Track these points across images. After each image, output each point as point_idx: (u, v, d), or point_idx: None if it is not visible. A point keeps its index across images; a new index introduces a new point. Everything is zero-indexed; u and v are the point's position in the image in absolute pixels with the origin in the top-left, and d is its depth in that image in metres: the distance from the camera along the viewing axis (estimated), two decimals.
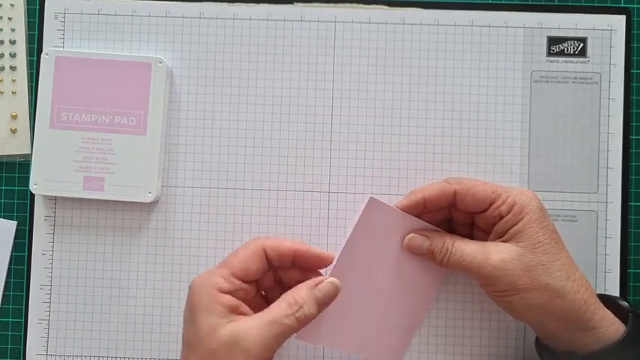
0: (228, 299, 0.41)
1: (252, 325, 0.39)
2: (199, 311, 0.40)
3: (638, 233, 0.51)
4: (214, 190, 0.51)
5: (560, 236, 0.44)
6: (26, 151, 0.52)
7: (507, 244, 0.43)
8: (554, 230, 0.44)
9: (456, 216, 0.47)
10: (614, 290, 0.50)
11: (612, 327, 0.42)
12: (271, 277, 0.46)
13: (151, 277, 0.51)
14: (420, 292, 0.48)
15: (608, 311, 0.43)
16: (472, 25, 0.52)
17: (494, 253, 0.43)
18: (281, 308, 0.40)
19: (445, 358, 0.50)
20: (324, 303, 0.42)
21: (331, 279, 0.42)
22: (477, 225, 0.46)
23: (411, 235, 0.46)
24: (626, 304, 0.44)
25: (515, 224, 0.44)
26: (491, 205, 0.44)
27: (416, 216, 0.46)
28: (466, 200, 0.45)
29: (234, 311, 0.40)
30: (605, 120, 0.51)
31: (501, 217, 0.44)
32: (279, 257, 0.44)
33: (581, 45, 0.51)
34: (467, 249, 0.44)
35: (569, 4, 0.52)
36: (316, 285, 0.42)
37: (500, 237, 0.44)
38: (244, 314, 0.41)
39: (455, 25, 0.52)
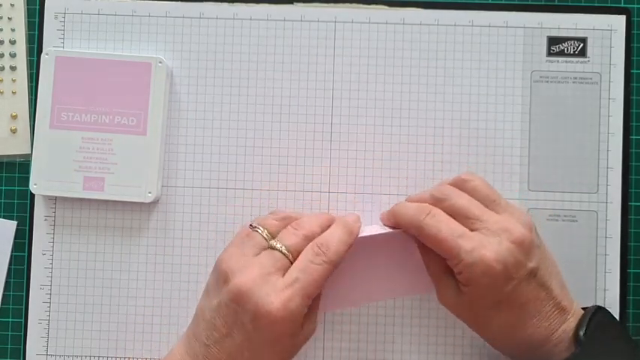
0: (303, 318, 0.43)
1: (314, 321, 0.45)
2: (285, 337, 0.42)
3: (638, 233, 0.51)
4: (214, 190, 0.51)
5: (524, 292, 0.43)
6: (26, 151, 0.52)
7: (456, 290, 0.44)
8: (499, 301, 0.42)
9: None
10: (614, 290, 0.50)
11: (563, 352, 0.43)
12: None
13: (151, 277, 0.51)
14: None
15: (563, 342, 0.43)
16: (472, 25, 0.52)
17: (442, 290, 0.45)
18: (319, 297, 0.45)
19: (445, 358, 0.50)
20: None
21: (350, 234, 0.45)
22: None
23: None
24: (581, 333, 0.42)
25: (462, 284, 0.43)
26: (446, 258, 0.43)
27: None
28: (426, 243, 0.44)
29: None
30: (605, 120, 0.51)
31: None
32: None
33: (581, 45, 0.51)
34: (431, 269, 0.45)
35: (569, 4, 0.52)
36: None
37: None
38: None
39: (455, 25, 0.52)
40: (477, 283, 0.42)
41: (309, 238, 0.44)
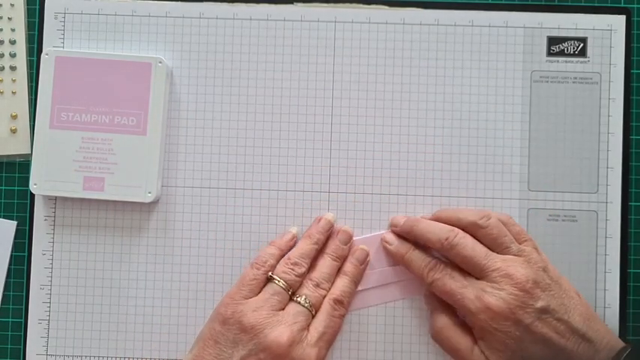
0: None
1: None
2: None
3: (638, 233, 0.51)
4: (214, 190, 0.51)
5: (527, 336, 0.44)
6: (26, 151, 0.52)
7: (471, 343, 0.46)
8: (519, 341, 0.43)
9: None
10: (614, 290, 0.50)
11: None
12: None
13: (151, 277, 0.51)
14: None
15: None
16: (472, 25, 0.52)
17: (455, 347, 0.46)
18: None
19: (445, 358, 0.50)
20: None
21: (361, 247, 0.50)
22: None
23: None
24: None
25: (477, 337, 0.45)
26: (457, 308, 0.46)
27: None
28: (436, 293, 0.47)
29: None
30: (605, 120, 0.51)
31: None
32: None
33: (581, 45, 0.51)
34: (440, 326, 0.47)
35: (569, 4, 0.52)
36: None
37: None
38: None
39: (455, 25, 0.52)
40: (489, 331, 0.44)
41: (328, 287, 0.48)
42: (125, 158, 0.50)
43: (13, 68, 0.52)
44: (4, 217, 0.52)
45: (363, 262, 0.49)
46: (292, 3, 0.52)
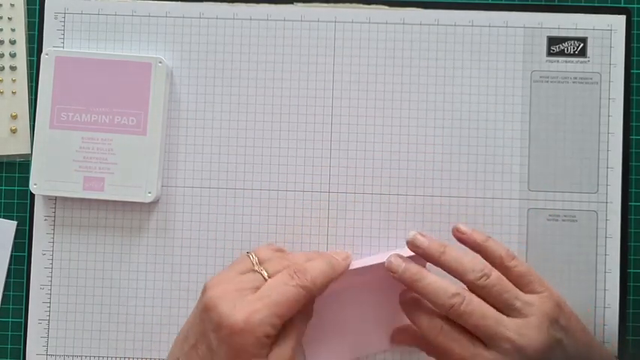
0: (271, 341, 0.41)
1: (287, 351, 0.42)
2: (246, 355, 0.40)
3: (638, 233, 0.51)
4: (214, 190, 0.51)
5: None
6: (26, 151, 0.52)
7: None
8: None
9: None
10: (614, 290, 0.50)
11: None
12: None
13: (151, 277, 0.51)
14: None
15: None
16: (472, 25, 0.52)
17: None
18: (301, 321, 0.44)
19: None
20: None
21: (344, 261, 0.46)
22: None
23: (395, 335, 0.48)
24: None
25: None
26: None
27: None
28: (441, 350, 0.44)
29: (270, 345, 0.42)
30: (605, 120, 0.51)
31: None
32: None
33: (581, 45, 0.51)
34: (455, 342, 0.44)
35: (569, 4, 0.52)
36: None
37: None
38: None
39: (455, 25, 0.52)
40: None
41: (288, 262, 0.45)
42: (125, 158, 0.50)
43: (13, 68, 0.52)
44: (4, 217, 0.52)
45: (346, 258, 0.46)
46: (292, 3, 0.52)
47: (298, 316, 0.43)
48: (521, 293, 0.43)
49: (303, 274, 0.43)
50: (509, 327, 0.42)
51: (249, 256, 0.45)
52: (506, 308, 0.43)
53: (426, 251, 0.44)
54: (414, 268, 0.44)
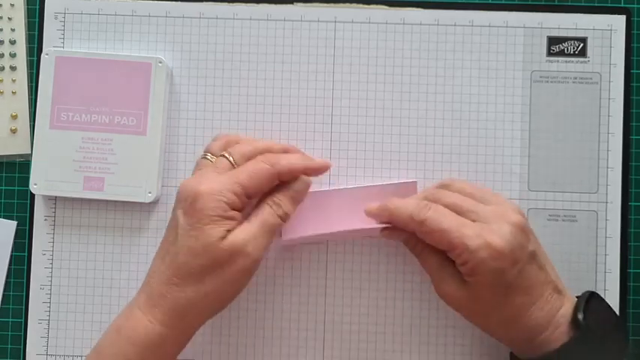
0: (234, 214, 0.42)
1: (251, 233, 0.42)
2: (207, 222, 0.41)
3: (638, 233, 0.51)
4: None
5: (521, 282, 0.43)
6: (26, 151, 0.52)
7: (459, 283, 0.44)
8: (508, 285, 0.42)
9: None
10: (614, 290, 0.50)
11: (558, 339, 0.43)
12: None
13: None
14: None
15: (562, 326, 0.43)
16: (472, 25, 0.52)
17: (443, 284, 0.44)
18: (268, 212, 0.43)
19: (445, 357, 0.50)
20: (298, 199, 0.45)
21: (303, 177, 0.45)
22: None
23: (385, 230, 0.47)
24: (581, 316, 0.42)
25: (467, 275, 0.43)
26: (448, 251, 0.43)
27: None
28: (427, 239, 0.44)
29: (233, 219, 0.42)
30: (605, 120, 0.51)
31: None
32: (288, 178, 0.45)
33: (581, 45, 0.51)
34: (429, 264, 0.45)
35: (569, 4, 0.52)
36: (289, 185, 0.45)
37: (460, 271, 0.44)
38: (237, 219, 0.43)
39: (455, 25, 0.52)
40: (485, 270, 0.42)
41: (256, 147, 0.45)
42: (125, 158, 0.50)
43: (13, 68, 0.52)
44: (4, 217, 0.52)
45: (323, 165, 0.47)
46: (292, 3, 0.52)
47: (264, 207, 0.44)
48: (491, 193, 0.46)
49: (271, 158, 0.44)
50: (484, 206, 0.44)
51: (205, 157, 0.45)
52: (479, 200, 0.45)
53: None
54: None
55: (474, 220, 0.43)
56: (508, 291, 0.43)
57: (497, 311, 0.44)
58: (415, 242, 0.46)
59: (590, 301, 0.44)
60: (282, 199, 0.44)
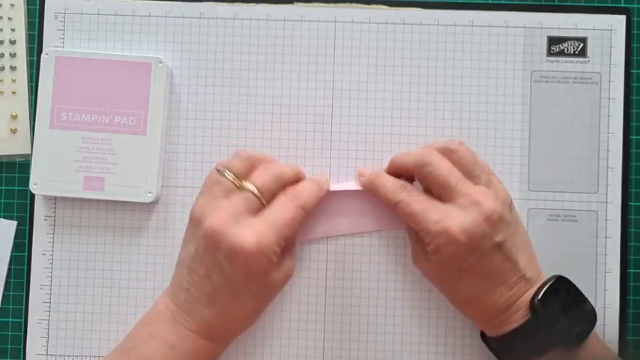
0: (277, 259, 0.44)
1: (293, 261, 0.47)
2: (261, 272, 0.43)
3: (638, 233, 0.51)
4: None
5: (481, 265, 0.44)
6: (26, 151, 0.52)
7: (425, 257, 0.46)
8: (463, 269, 0.44)
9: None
10: (614, 290, 0.50)
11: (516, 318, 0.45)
12: None
13: (151, 277, 0.51)
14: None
15: (522, 308, 0.45)
16: (472, 25, 0.52)
17: (415, 257, 0.48)
18: (295, 246, 0.48)
19: (445, 357, 0.50)
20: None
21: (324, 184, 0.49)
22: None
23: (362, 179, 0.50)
24: (536, 300, 0.44)
25: (430, 254, 0.45)
26: (417, 231, 0.46)
27: None
28: (401, 219, 0.47)
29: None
30: (605, 120, 0.51)
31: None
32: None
33: (581, 45, 0.51)
34: (410, 237, 0.48)
35: (569, 4, 0.52)
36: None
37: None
38: None
39: (455, 25, 0.52)
40: (442, 252, 0.44)
41: (278, 179, 0.46)
42: (125, 158, 0.50)
43: (13, 68, 0.52)
44: (4, 217, 0.52)
45: (326, 181, 0.49)
46: (292, 3, 0.52)
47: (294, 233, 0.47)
48: (487, 172, 0.46)
49: (298, 196, 0.46)
50: (470, 185, 0.45)
51: (223, 175, 0.45)
52: (472, 178, 0.45)
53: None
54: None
55: (448, 200, 0.45)
56: (463, 274, 0.45)
57: (456, 290, 0.46)
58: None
59: (554, 284, 0.45)
60: (307, 206, 0.47)
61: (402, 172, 0.48)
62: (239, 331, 0.47)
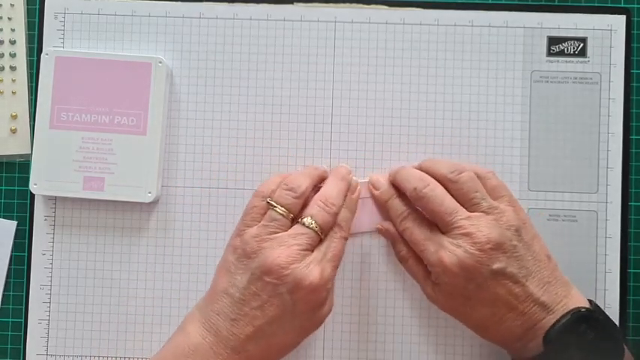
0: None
1: (331, 285, 0.46)
2: (317, 304, 0.45)
3: (638, 233, 0.51)
4: (214, 190, 0.51)
5: (488, 290, 0.44)
6: (26, 151, 0.52)
7: (434, 289, 0.47)
8: (468, 297, 0.45)
9: None
10: (614, 290, 0.50)
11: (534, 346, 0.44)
12: None
13: (151, 277, 0.51)
14: None
15: (537, 339, 0.44)
16: (472, 25, 0.52)
17: (426, 289, 0.48)
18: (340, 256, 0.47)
19: (445, 357, 0.50)
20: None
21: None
22: None
23: (379, 227, 0.50)
24: (551, 333, 0.43)
25: (434, 282, 0.46)
26: (422, 257, 0.47)
27: None
28: (405, 236, 0.48)
29: None
30: (605, 120, 0.51)
31: None
32: None
33: (581, 45, 0.51)
34: (415, 271, 0.48)
35: (569, 4, 0.52)
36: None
37: None
38: None
39: (455, 25, 0.52)
40: (442, 281, 0.45)
41: (334, 213, 0.47)
42: (125, 158, 0.50)
43: (13, 68, 0.52)
44: (4, 217, 0.52)
45: (355, 192, 0.49)
46: (292, 3, 0.52)
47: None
48: (489, 197, 0.46)
49: (341, 228, 0.47)
50: (463, 216, 0.45)
51: (275, 210, 0.46)
52: (471, 206, 0.46)
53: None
54: (396, 168, 0.50)
55: (444, 231, 0.46)
56: (468, 302, 0.45)
57: (467, 318, 0.47)
58: (401, 249, 0.49)
59: (576, 315, 0.43)
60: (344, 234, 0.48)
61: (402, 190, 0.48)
62: None
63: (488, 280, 0.44)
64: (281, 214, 0.45)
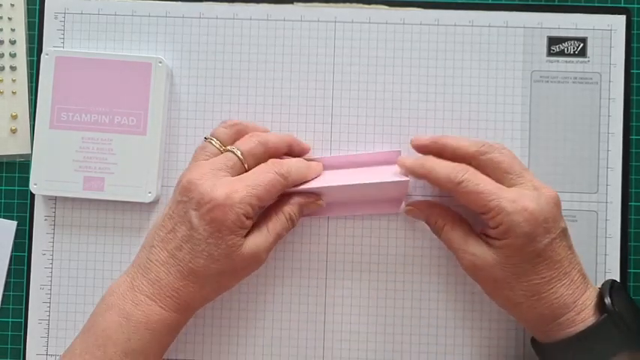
0: (249, 223, 0.44)
1: (267, 242, 0.45)
2: (227, 232, 0.43)
3: (638, 233, 0.51)
4: None
5: (553, 252, 0.43)
6: (26, 151, 0.52)
7: (486, 250, 0.44)
8: (538, 254, 0.43)
9: None
10: None
11: (580, 322, 0.43)
12: None
13: None
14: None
15: (587, 309, 0.43)
16: (472, 25, 0.52)
17: (470, 252, 0.45)
18: (282, 226, 0.46)
19: (445, 358, 0.50)
20: (307, 214, 0.49)
21: (319, 202, 0.48)
22: None
23: (409, 207, 0.49)
24: (609, 300, 0.43)
25: (498, 239, 0.44)
26: (482, 213, 0.44)
27: None
28: (462, 199, 0.45)
29: (247, 227, 0.44)
30: (605, 120, 0.51)
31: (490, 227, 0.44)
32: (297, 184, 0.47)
33: (581, 45, 0.51)
34: (453, 236, 0.46)
35: (569, 4, 0.52)
36: (304, 203, 0.47)
37: (489, 235, 0.45)
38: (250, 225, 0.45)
39: (455, 25, 0.52)
40: (518, 232, 0.42)
41: (264, 145, 0.46)
42: (125, 158, 0.50)
43: (13, 68, 0.52)
44: (4, 217, 0.52)
45: (319, 166, 0.49)
46: (292, 3, 0.52)
47: (279, 220, 0.46)
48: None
49: (280, 164, 0.45)
50: (529, 173, 0.45)
51: (210, 141, 0.47)
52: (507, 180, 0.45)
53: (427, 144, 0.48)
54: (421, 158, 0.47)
55: (512, 185, 0.44)
56: (536, 260, 0.43)
57: (523, 281, 0.43)
58: (436, 219, 0.47)
59: (613, 288, 0.44)
60: (296, 214, 0.47)
61: (454, 157, 0.46)
62: (195, 301, 0.44)
63: (557, 237, 0.43)
64: (214, 145, 0.46)
